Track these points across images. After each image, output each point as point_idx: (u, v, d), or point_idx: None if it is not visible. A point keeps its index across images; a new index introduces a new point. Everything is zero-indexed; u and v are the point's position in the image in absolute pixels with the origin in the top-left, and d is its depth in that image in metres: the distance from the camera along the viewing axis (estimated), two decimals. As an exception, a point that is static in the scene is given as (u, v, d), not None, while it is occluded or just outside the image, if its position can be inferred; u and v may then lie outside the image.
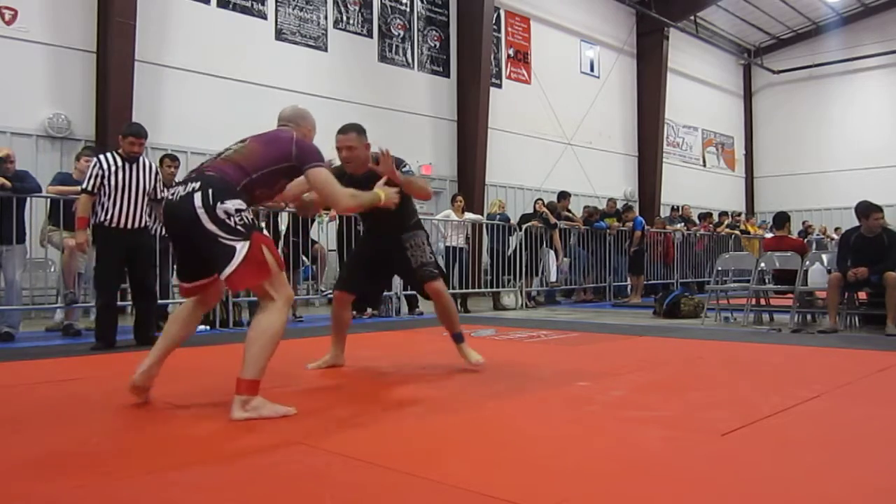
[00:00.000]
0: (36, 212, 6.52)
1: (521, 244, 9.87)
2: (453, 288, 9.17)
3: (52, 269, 7.32)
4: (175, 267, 3.17)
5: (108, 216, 5.14)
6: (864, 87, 20.32)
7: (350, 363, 4.33)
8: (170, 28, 9.76)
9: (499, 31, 14.28)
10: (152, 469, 2.19)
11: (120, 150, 5.29)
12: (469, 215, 9.68)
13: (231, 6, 10.36)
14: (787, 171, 21.30)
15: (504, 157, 13.91)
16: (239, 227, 2.80)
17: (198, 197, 2.78)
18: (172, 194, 2.90)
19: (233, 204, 2.80)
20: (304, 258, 8.10)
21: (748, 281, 7.50)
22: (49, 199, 6.29)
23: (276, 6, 10.88)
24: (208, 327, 6.65)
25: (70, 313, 6.32)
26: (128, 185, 5.19)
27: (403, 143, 12.44)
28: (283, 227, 7.87)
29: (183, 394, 3.48)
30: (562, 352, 5.17)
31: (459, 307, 9.08)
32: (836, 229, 15.95)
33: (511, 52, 14.56)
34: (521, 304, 9.77)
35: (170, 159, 6.82)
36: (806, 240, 13.17)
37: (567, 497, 1.97)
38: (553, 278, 10.70)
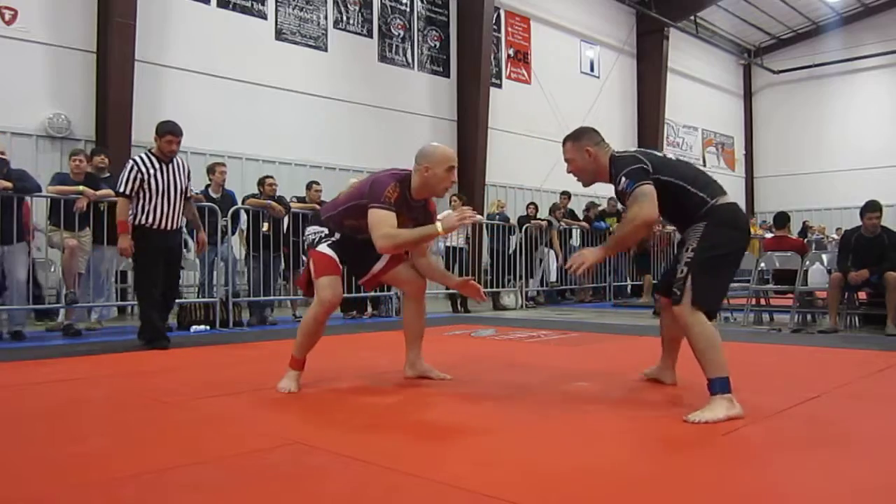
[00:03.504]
0: (36, 212, 6.51)
1: (520, 244, 9.87)
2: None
3: (53, 269, 7.31)
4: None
5: (149, 218, 5.11)
6: (864, 87, 20.31)
7: (350, 363, 4.33)
8: (170, 28, 9.76)
9: (499, 31, 14.28)
10: (152, 469, 2.19)
11: (153, 150, 5.24)
12: (468, 215, 9.65)
13: (231, 6, 10.36)
14: (787, 171, 21.29)
15: (504, 157, 13.90)
16: (307, 243, 3.56)
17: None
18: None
19: (311, 230, 3.56)
20: (305, 258, 8.09)
21: (748, 281, 7.50)
22: (49, 200, 6.28)
23: (276, 6, 10.87)
24: (208, 327, 6.66)
25: (70, 313, 6.33)
26: (166, 186, 5.15)
27: (403, 143, 12.43)
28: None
29: (183, 393, 3.49)
30: (562, 352, 5.17)
31: (459, 307, 9.09)
32: (837, 229, 15.93)
33: (511, 52, 14.56)
34: (521, 304, 9.77)
35: None
36: (806, 240, 13.16)
37: (567, 497, 1.97)
38: (553, 278, 10.70)
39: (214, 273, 6.97)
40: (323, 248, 3.46)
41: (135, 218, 5.12)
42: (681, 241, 3.23)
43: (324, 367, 4.47)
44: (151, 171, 5.11)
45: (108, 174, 6.85)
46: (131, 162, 5.18)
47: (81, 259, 6.27)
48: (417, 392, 3.50)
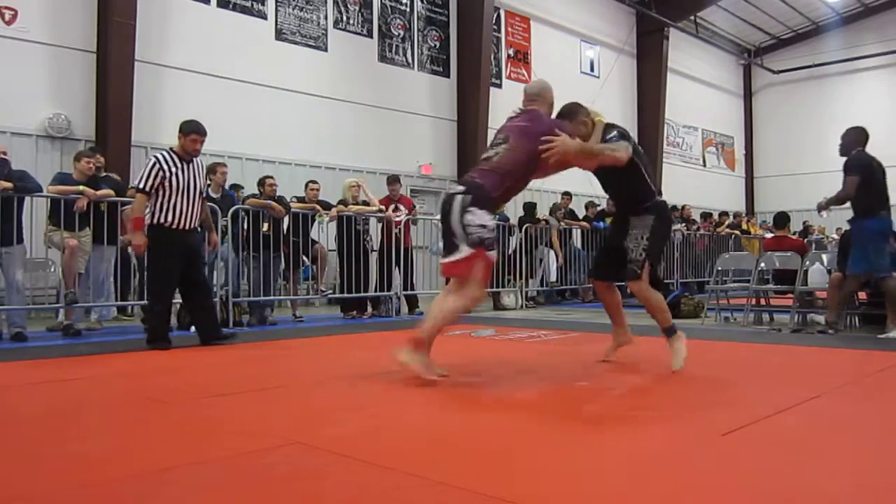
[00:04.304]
0: (36, 212, 6.51)
1: (520, 244, 9.87)
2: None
3: (52, 269, 7.31)
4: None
5: (168, 217, 5.08)
6: (864, 87, 20.30)
7: (350, 363, 4.33)
8: (170, 28, 9.76)
9: (499, 31, 14.28)
10: (152, 469, 2.19)
11: (175, 149, 5.23)
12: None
13: (231, 6, 10.36)
14: (787, 171, 21.28)
15: (504, 158, 13.88)
16: (473, 237, 3.52)
17: (458, 199, 3.55)
18: (450, 189, 3.72)
19: (475, 218, 3.52)
20: (305, 258, 8.10)
21: (748, 281, 7.50)
22: (49, 200, 6.28)
23: (276, 6, 10.87)
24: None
25: (70, 313, 6.32)
26: (186, 185, 5.14)
27: (403, 143, 12.48)
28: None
29: (183, 393, 3.49)
30: (562, 352, 5.17)
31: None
32: (837, 229, 15.92)
33: (511, 51, 14.56)
34: (521, 304, 9.77)
35: None
36: (806, 240, 13.15)
37: (567, 497, 1.97)
38: (553, 278, 10.70)
39: (214, 273, 6.97)
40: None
41: (152, 217, 5.09)
42: (627, 228, 4.01)
43: (324, 367, 4.48)
44: (173, 170, 5.10)
45: (104, 174, 6.86)
46: (153, 159, 5.16)
47: (81, 259, 6.27)
48: (417, 392, 3.50)
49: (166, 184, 5.06)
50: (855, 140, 6.10)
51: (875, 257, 5.74)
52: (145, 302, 5.78)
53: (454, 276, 3.65)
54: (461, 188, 3.63)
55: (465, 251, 3.52)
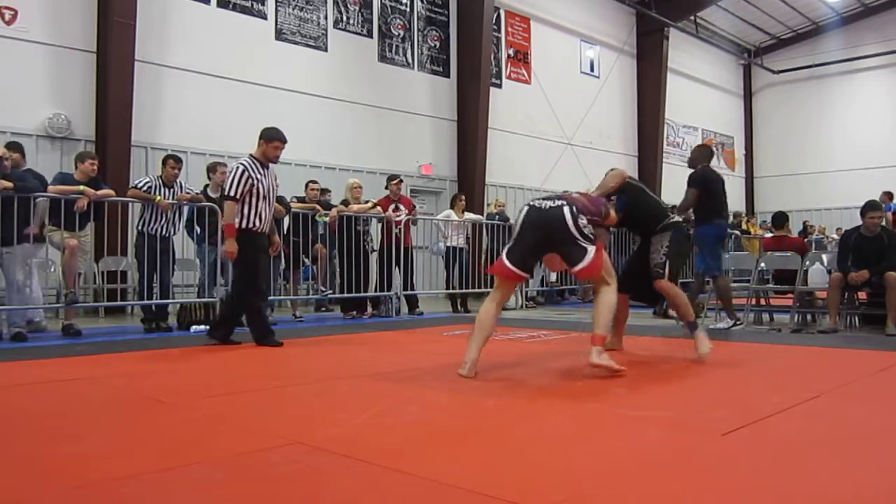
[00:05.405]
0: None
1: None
2: (453, 288, 9.18)
3: (52, 270, 7.31)
4: (510, 255, 3.97)
5: (255, 222, 5.25)
6: (864, 87, 20.30)
7: (350, 363, 4.33)
8: (170, 28, 9.76)
9: (499, 31, 14.28)
10: (152, 469, 2.19)
11: (255, 155, 5.36)
12: (469, 215, 9.68)
13: (231, 6, 10.36)
14: (787, 171, 21.29)
15: (504, 157, 13.90)
16: (589, 236, 3.90)
17: (566, 209, 3.88)
18: (541, 206, 3.97)
19: (585, 219, 3.90)
20: (305, 258, 8.10)
21: (748, 281, 7.49)
22: (49, 200, 6.27)
23: (276, 6, 10.87)
24: (208, 327, 6.64)
25: (70, 313, 6.32)
26: (267, 190, 5.33)
27: (403, 143, 12.48)
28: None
29: (183, 393, 3.49)
30: (562, 352, 5.16)
31: (459, 307, 9.08)
32: (837, 229, 15.93)
33: (511, 52, 14.55)
34: (521, 304, 9.77)
35: (174, 161, 6.83)
36: (806, 240, 13.15)
37: (567, 497, 1.97)
38: (553, 278, 10.70)
39: (215, 273, 6.97)
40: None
41: (240, 221, 5.23)
42: (648, 243, 4.71)
43: (324, 367, 4.48)
44: (258, 176, 5.26)
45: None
46: (241, 166, 5.27)
47: (81, 259, 6.27)
48: (417, 392, 3.50)
49: (253, 190, 5.22)
50: (701, 157, 6.80)
51: (709, 259, 6.61)
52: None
53: (593, 278, 3.97)
54: (561, 201, 3.96)
55: (591, 250, 3.86)
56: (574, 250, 3.86)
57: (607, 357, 3.82)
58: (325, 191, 8.81)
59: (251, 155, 5.39)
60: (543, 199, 4.05)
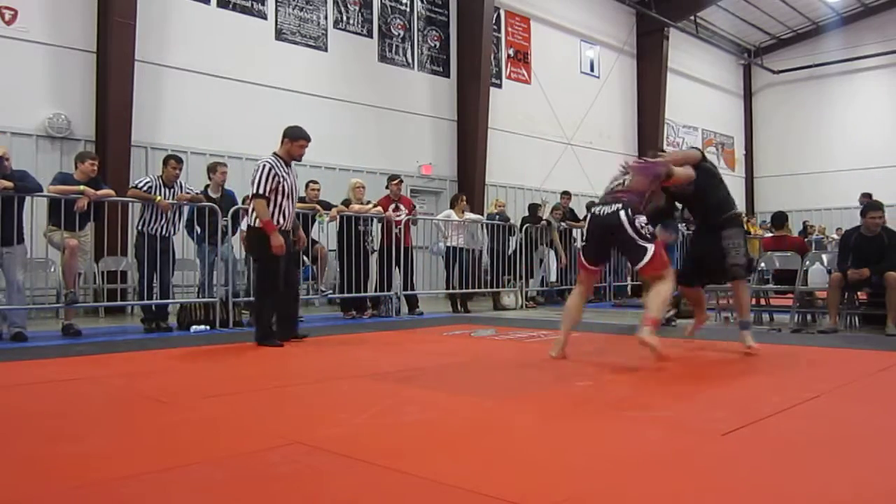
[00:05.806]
0: (36, 212, 6.50)
1: (520, 244, 9.87)
2: (453, 288, 9.18)
3: (52, 269, 7.31)
4: (583, 253, 4.71)
5: (280, 219, 5.30)
6: (864, 87, 20.29)
7: (350, 363, 4.33)
8: (170, 28, 9.76)
9: (499, 31, 14.28)
10: (152, 469, 2.19)
11: (279, 153, 5.37)
12: (469, 215, 9.68)
13: (231, 6, 10.36)
14: (787, 171, 21.28)
15: (504, 157, 13.90)
16: (648, 235, 4.22)
17: (622, 213, 4.21)
18: (600, 212, 4.38)
19: (643, 219, 4.22)
20: (305, 258, 8.10)
21: (748, 281, 7.48)
22: (49, 199, 6.27)
23: (276, 6, 10.87)
24: (208, 327, 6.65)
25: (70, 313, 6.32)
26: (291, 188, 5.36)
27: (403, 143, 12.48)
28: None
29: (183, 393, 3.49)
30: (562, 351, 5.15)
31: (459, 307, 9.08)
32: (837, 229, 15.93)
33: (511, 52, 14.55)
34: (521, 304, 9.77)
35: (175, 161, 6.83)
36: (806, 240, 13.16)
37: (567, 497, 1.97)
38: (553, 278, 10.70)
39: (215, 273, 6.97)
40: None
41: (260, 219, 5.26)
42: (712, 238, 4.80)
43: (324, 367, 4.48)
44: (283, 174, 5.29)
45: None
46: (267, 165, 5.28)
47: (81, 259, 6.27)
48: (417, 392, 3.50)
49: (279, 188, 5.25)
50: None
51: None
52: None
53: (657, 274, 4.26)
54: (617, 205, 4.26)
55: (651, 248, 4.19)
56: (635, 250, 4.24)
57: (658, 340, 4.03)
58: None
59: (275, 153, 5.41)
60: (602, 204, 4.46)
